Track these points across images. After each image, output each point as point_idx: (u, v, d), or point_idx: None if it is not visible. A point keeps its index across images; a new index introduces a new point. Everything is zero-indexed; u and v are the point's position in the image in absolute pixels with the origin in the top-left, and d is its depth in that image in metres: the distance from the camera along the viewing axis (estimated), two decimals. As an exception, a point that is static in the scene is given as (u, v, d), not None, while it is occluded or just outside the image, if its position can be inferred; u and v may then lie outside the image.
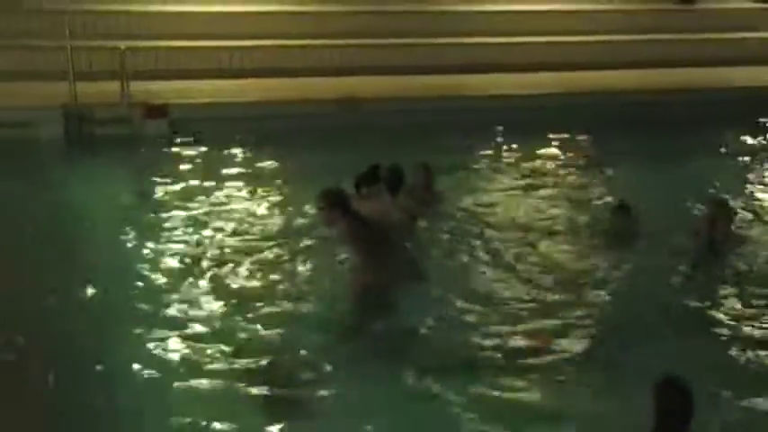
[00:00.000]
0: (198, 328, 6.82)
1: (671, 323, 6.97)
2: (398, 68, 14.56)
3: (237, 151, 11.68)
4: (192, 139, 11.83)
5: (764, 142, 12.96)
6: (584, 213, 9.45)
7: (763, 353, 6.58)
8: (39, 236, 8.57)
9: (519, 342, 6.70)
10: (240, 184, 10.37)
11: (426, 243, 8.46)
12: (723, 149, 12.45)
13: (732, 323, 7.02)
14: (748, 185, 10.70)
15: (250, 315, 7.00)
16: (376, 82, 14.03)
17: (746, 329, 6.92)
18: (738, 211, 9.21)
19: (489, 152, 11.92)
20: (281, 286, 7.55)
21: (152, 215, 9.28)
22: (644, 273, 7.86)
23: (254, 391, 6.00)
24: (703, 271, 7.95)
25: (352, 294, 7.20)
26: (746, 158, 11.98)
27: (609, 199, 9.65)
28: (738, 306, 7.31)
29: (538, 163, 11.56)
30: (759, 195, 10.26)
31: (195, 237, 8.65)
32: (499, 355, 6.50)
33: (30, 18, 13.98)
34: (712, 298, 7.46)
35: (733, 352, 6.60)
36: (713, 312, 7.21)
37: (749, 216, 9.37)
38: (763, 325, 6.99)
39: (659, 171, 10.95)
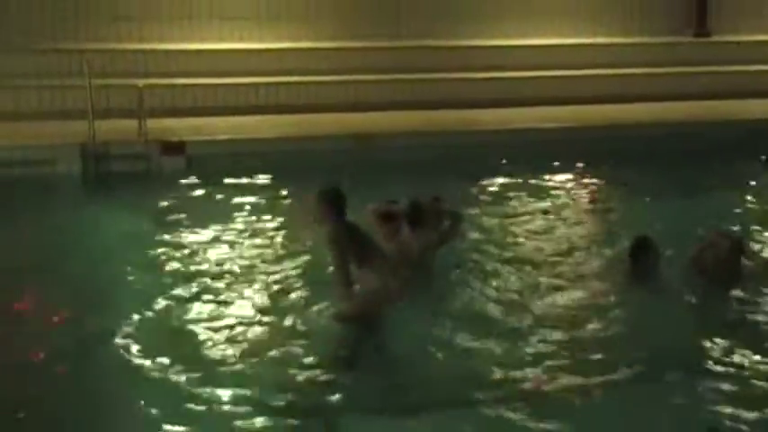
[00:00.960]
0: (207, 360, 6.91)
1: (686, 360, 6.94)
2: (413, 104, 14.64)
3: (254, 187, 11.72)
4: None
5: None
6: (599, 247, 9.44)
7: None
8: (54, 272, 8.62)
9: (522, 377, 6.68)
10: (257, 220, 10.41)
11: (438, 274, 8.50)
12: (741, 182, 12.39)
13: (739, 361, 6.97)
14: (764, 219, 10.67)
15: (255, 351, 7.06)
16: (391, 117, 14.10)
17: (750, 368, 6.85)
18: (749, 243, 9.18)
19: (504, 186, 11.92)
20: (286, 321, 7.61)
21: (168, 251, 9.33)
22: (661, 308, 7.83)
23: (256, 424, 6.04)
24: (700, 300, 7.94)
25: (343, 321, 7.33)
26: (764, 192, 11.94)
27: (624, 233, 9.63)
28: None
29: (552, 197, 11.56)
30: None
31: (210, 273, 8.68)
32: (500, 390, 6.48)
33: (48, 57, 14.12)
34: (717, 334, 7.42)
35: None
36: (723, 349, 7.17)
37: (761, 248, 9.36)
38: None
39: (675, 204, 10.93)
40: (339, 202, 7.36)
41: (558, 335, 7.39)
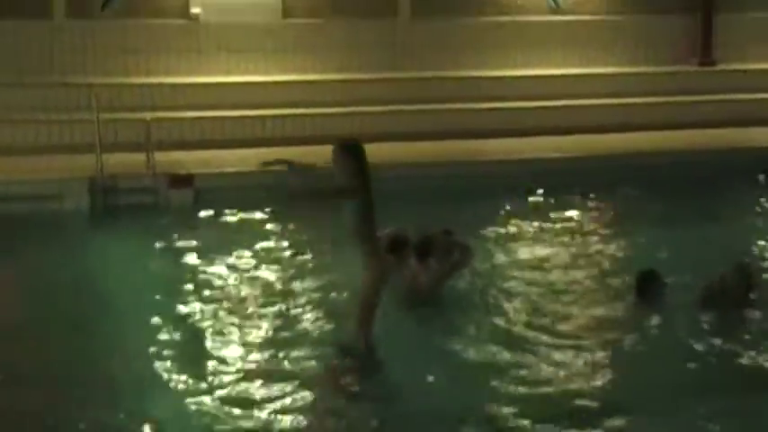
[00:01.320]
0: (220, 388, 6.99)
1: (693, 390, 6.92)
2: (418, 134, 14.67)
3: (262, 220, 11.75)
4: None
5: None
6: (604, 278, 9.45)
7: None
8: (61, 307, 8.66)
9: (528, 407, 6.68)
10: (265, 252, 10.44)
11: (447, 304, 8.51)
12: (747, 210, 12.39)
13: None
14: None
15: (262, 381, 7.11)
16: (396, 148, 14.12)
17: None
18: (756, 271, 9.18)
19: (508, 217, 11.94)
20: (292, 351, 7.69)
21: (177, 284, 9.36)
22: (666, 341, 7.82)
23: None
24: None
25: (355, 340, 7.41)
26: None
27: (631, 263, 9.64)
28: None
29: (556, 226, 11.58)
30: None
31: (218, 306, 8.72)
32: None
33: (56, 91, 14.22)
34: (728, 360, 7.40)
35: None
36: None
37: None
38: None
39: (681, 233, 10.94)
40: (356, 151, 7.46)
41: (562, 366, 7.40)
